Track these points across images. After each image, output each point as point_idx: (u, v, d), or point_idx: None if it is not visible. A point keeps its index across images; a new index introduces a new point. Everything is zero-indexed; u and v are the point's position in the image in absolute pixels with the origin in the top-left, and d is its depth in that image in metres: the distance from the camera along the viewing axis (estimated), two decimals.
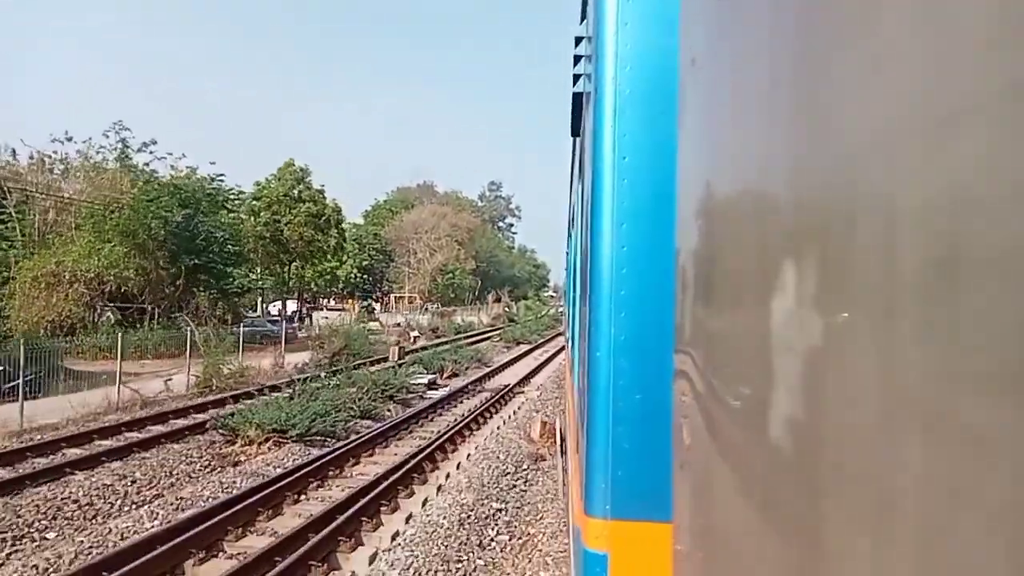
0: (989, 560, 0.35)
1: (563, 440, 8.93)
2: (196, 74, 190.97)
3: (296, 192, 42.79)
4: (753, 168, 0.83)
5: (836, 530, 0.54)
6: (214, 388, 16.87)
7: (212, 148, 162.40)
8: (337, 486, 9.86)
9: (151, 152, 36.81)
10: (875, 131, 0.48)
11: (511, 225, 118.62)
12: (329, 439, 12.18)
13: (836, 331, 0.55)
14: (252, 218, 39.68)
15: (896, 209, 0.46)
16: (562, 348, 28.28)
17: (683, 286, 1.28)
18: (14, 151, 34.59)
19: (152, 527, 8.02)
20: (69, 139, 36.72)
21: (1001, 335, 0.34)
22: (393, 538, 7.84)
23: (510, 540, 7.79)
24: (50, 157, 35.43)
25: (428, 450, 11.11)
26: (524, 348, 32.39)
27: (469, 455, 11.65)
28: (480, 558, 7.21)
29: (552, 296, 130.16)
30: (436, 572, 6.76)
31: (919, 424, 0.42)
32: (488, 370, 23.16)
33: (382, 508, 8.71)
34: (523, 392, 19.00)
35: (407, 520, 8.53)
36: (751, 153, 0.83)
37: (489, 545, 7.62)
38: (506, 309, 60.09)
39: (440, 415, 15.05)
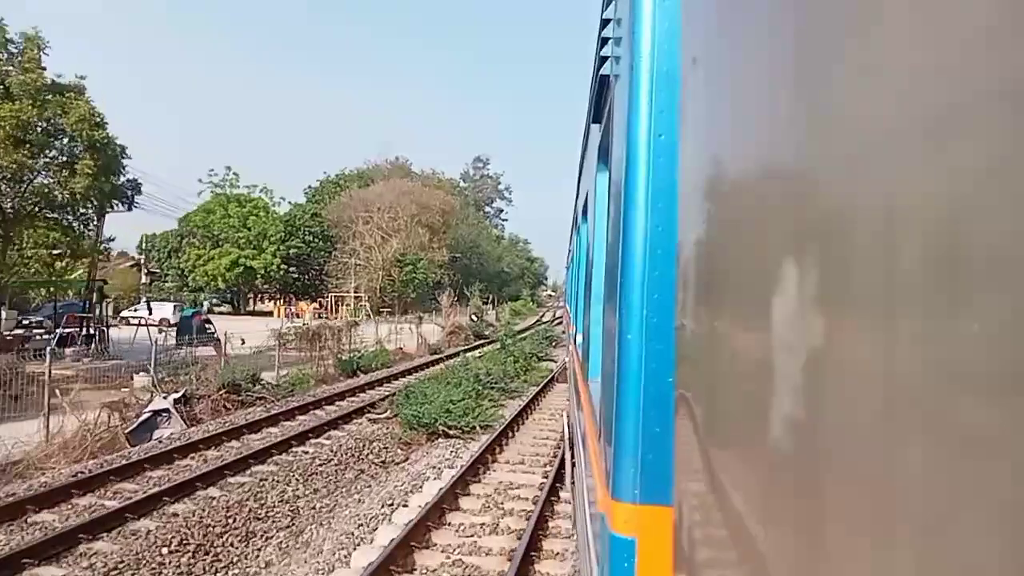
0: (989, 560, 0.34)
1: (571, 436, 6.65)
2: (192, 75, 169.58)
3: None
4: (753, 168, 0.83)
5: (834, 524, 0.53)
6: None
7: (217, 148, 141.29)
8: None
9: None
10: (875, 130, 0.47)
11: (501, 211, 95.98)
12: None
13: (835, 327, 0.55)
14: None
15: (896, 208, 0.45)
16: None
17: (683, 282, 1.30)
18: None
19: None
20: None
21: (1001, 335, 0.33)
22: None
23: None
24: None
25: None
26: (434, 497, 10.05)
27: None
28: None
29: (551, 295, 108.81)
30: None
31: (918, 420, 0.41)
32: None
33: None
34: None
35: None
36: (751, 153, 0.83)
37: None
38: (474, 317, 37.47)
39: None
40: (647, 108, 1.61)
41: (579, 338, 5.83)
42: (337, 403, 14.95)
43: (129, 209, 22.79)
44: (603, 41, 2.43)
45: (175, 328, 24.41)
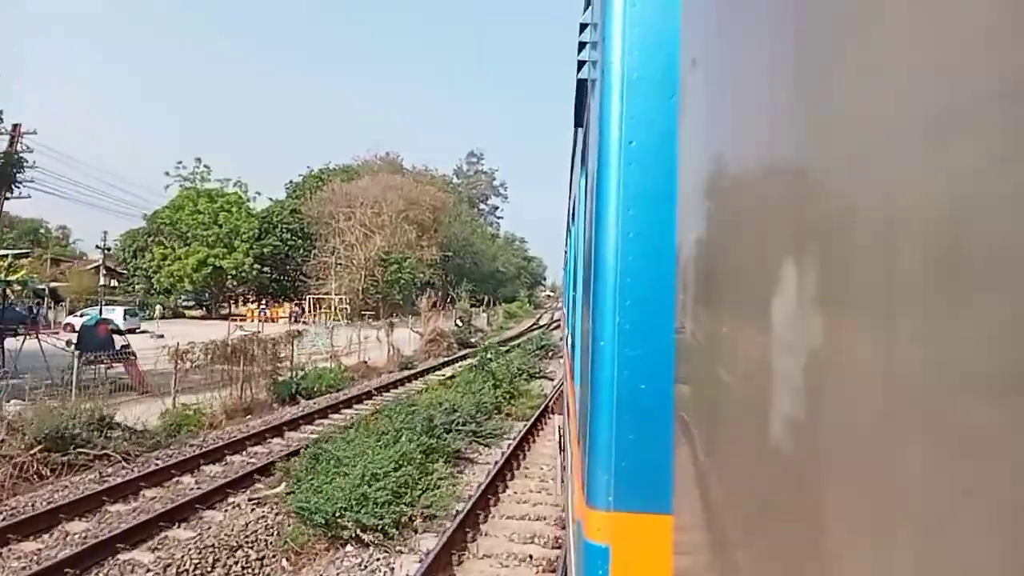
0: (990, 560, 0.34)
1: (562, 437, 6.50)
2: (191, 75, 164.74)
3: None
4: (753, 169, 0.83)
5: (834, 527, 0.53)
6: None
7: (216, 148, 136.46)
8: None
9: None
10: (875, 131, 0.47)
11: (496, 208, 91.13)
12: None
13: (835, 328, 0.55)
14: None
15: (896, 208, 0.45)
16: None
17: (683, 283, 1.28)
18: None
19: None
20: None
21: (1001, 335, 0.33)
22: None
23: None
24: None
25: None
26: None
27: None
28: None
29: (550, 296, 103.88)
30: None
31: (918, 422, 0.41)
32: None
33: None
34: None
35: None
36: (751, 154, 0.83)
37: None
38: (459, 322, 32.64)
39: None
40: (618, 114, 1.60)
41: (570, 340, 5.53)
42: (229, 458, 10.13)
43: (9, 191, 17.95)
44: (581, 45, 2.43)
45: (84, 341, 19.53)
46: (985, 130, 0.35)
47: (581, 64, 2.45)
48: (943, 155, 0.38)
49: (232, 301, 56.34)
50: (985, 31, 0.35)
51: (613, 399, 1.56)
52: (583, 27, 2.38)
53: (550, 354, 24.43)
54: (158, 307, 44.01)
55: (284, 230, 53.91)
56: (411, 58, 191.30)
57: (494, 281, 74.50)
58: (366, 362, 21.98)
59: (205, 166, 52.60)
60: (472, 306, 57.95)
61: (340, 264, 50.93)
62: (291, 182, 61.73)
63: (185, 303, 54.48)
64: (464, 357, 25.47)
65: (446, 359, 24.92)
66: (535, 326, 45.95)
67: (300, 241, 53.74)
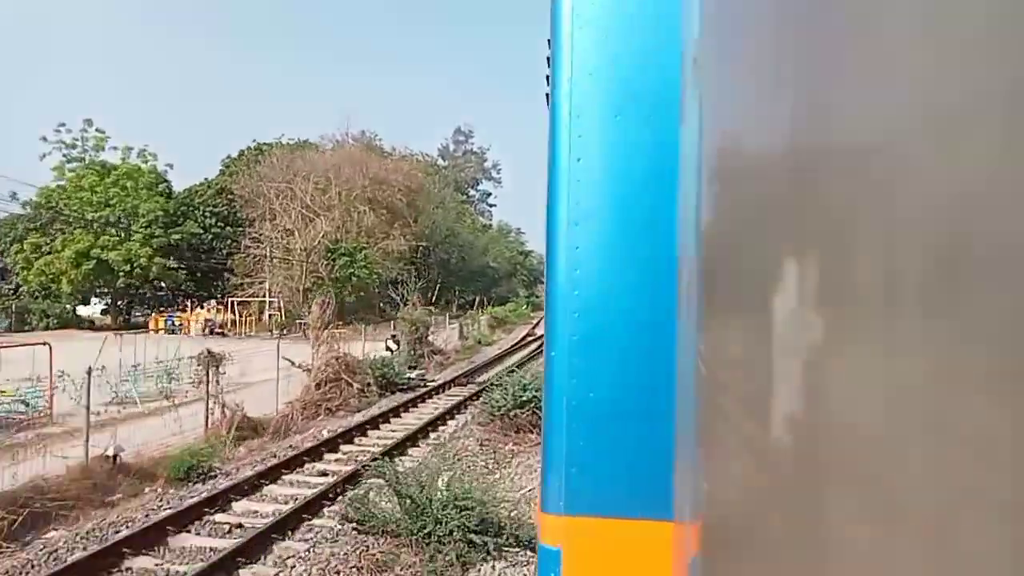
0: (991, 560, 0.34)
1: None
2: (188, 76, 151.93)
3: None
4: (754, 168, 0.84)
5: (838, 530, 0.53)
6: None
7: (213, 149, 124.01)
8: None
9: None
10: (876, 131, 0.47)
11: (488, 195, 78.47)
12: None
13: (836, 330, 0.55)
14: None
15: (897, 208, 0.44)
16: None
17: (686, 285, 1.30)
18: None
19: None
20: None
21: (1001, 335, 0.33)
22: None
23: None
24: None
25: None
26: None
27: None
28: None
29: None
30: None
31: (920, 423, 0.41)
32: None
33: None
34: None
35: None
36: (751, 153, 0.84)
37: None
38: (393, 344, 19.98)
39: None
40: (567, 132, 1.65)
41: None
42: None
43: None
44: (548, 61, 2.62)
45: None
46: (986, 130, 0.34)
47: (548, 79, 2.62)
48: (944, 154, 0.37)
49: (153, 306, 44.18)
50: (986, 31, 0.34)
51: (564, 407, 1.61)
52: (550, 43, 2.44)
53: (537, 421, 11.88)
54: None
55: (208, 214, 41.59)
56: (414, 58, 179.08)
57: (485, 279, 62.08)
58: (114, 457, 9.58)
59: (98, 130, 40.01)
60: (460, 307, 45.88)
61: (275, 257, 38.71)
62: (228, 156, 49.03)
63: (115, 308, 42.39)
64: (389, 418, 13.15)
65: (351, 430, 12.48)
66: (529, 338, 33.39)
67: (229, 228, 41.44)
